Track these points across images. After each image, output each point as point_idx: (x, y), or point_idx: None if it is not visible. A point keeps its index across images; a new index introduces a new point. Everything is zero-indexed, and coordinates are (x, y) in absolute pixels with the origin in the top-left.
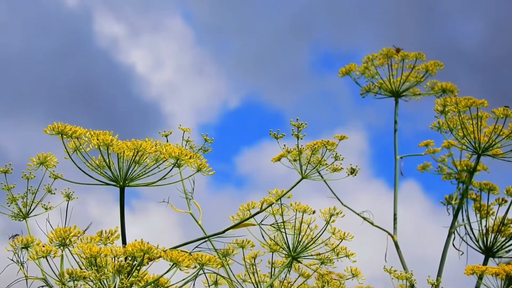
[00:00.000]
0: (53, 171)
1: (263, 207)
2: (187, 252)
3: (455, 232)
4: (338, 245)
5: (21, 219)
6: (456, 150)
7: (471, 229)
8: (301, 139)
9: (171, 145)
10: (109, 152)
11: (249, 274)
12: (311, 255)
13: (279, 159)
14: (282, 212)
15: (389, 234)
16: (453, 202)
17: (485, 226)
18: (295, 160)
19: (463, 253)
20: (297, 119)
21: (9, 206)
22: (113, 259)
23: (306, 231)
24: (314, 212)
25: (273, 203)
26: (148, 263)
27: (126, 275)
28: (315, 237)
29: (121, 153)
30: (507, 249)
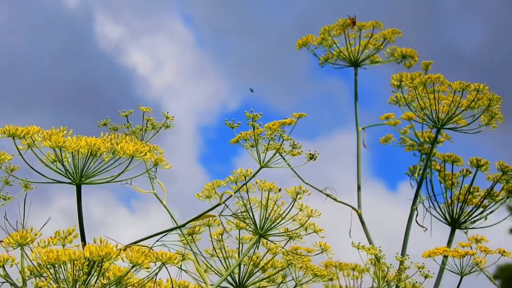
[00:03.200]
0: (9, 164)
1: (223, 199)
2: (148, 247)
3: (421, 205)
4: (306, 221)
5: None
6: (418, 122)
7: (436, 201)
8: (257, 128)
9: (127, 139)
10: (61, 152)
11: (215, 250)
12: (279, 232)
13: (237, 141)
14: (247, 190)
15: (353, 208)
16: (416, 174)
17: (451, 196)
18: (252, 146)
19: (426, 229)
20: (251, 110)
21: None
22: (72, 262)
23: (273, 207)
24: (280, 190)
25: (231, 195)
26: None
27: (84, 283)
28: (282, 213)
29: (75, 151)
30: (473, 219)
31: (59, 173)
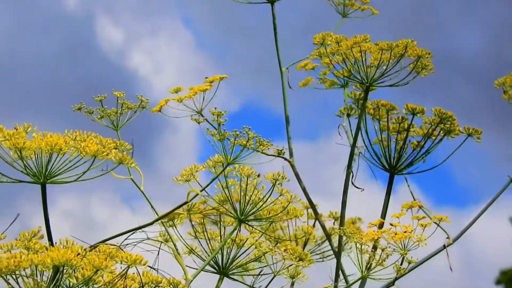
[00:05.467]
0: None
1: (190, 198)
2: (116, 245)
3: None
4: (288, 205)
5: None
6: (345, 79)
7: (373, 148)
8: (223, 124)
9: (92, 136)
10: (22, 153)
11: (195, 234)
12: (260, 217)
13: (160, 110)
14: (226, 176)
15: (285, 159)
16: (346, 115)
17: (387, 138)
18: (220, 140)
19: (363, 189)
20: (215, 108)
21: None
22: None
23: (253, 191)
24: (258, 175)
25: (198, 194)
26: None
27: None
28: (263, 197)
29: (37, 153)
30: (411, 161)
31: (23, 173)
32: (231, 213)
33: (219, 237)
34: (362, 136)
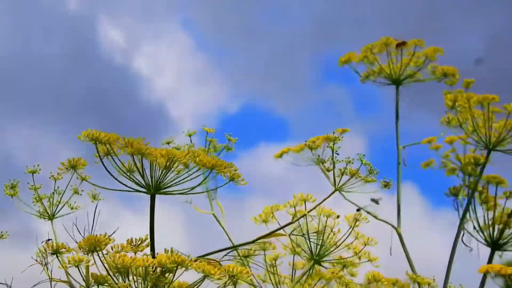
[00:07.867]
0: (81, 173)
1: (295, 219)
2: (216, 261)
3: (464, 228)
4: (362, 250)
5: (46, 219)
6: (459, 145)
7: (478, 223)
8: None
9: (203, 152)
10: (142, 160)
11: (269, 275)
12: (334, 260)
13: (281, 156)
14: (306, 216)
15: (393, 226)
16: (459, 195)
17: (492, 217)
18: (328, 171)
19: (472, 249)
20: (333, 132)
21: (34, 205)
22: (144, 269)
23: (329, 235)
24: (338, 216)
25: (305, 214)
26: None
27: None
28: (338, 240)
29: (153, 160)
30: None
31: (135, 182)
32: (306, 253)
33: (289, 281)
34: (469, 211)
